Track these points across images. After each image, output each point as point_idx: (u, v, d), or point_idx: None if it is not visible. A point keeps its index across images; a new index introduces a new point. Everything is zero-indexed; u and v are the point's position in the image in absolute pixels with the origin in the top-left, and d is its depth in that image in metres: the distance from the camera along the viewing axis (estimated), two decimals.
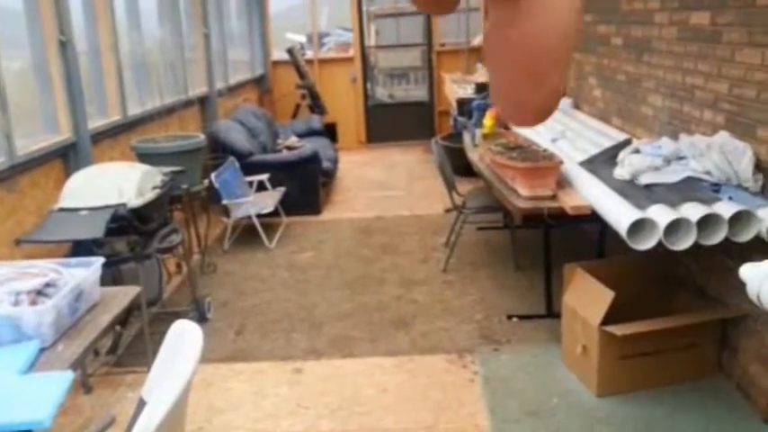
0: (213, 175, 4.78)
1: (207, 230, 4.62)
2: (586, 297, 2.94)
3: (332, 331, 3.63)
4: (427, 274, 4.36)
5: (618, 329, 2.72)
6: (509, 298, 3.90)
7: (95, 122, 4.11)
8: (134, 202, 3.21)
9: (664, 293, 3.16)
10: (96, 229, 2.99)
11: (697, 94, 3.24)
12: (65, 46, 3.67)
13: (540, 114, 0.21)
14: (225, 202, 4.91)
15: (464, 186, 4.82)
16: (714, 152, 2.84)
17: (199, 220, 4.51)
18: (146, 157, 4.32)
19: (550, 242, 3.62)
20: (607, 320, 2.76)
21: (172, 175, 3.70)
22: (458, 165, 5.21)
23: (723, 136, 2.88)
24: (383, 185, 6.77)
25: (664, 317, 2.88)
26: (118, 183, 3.25)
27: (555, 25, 0.19)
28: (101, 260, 2.32)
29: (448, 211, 5.19)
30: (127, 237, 3.24)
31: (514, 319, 3.62)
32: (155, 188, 3.43)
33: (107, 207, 3.13)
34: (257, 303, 4.05)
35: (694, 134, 3.16)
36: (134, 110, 4.72)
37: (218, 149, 5.56)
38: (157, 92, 5.30)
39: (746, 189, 2.71)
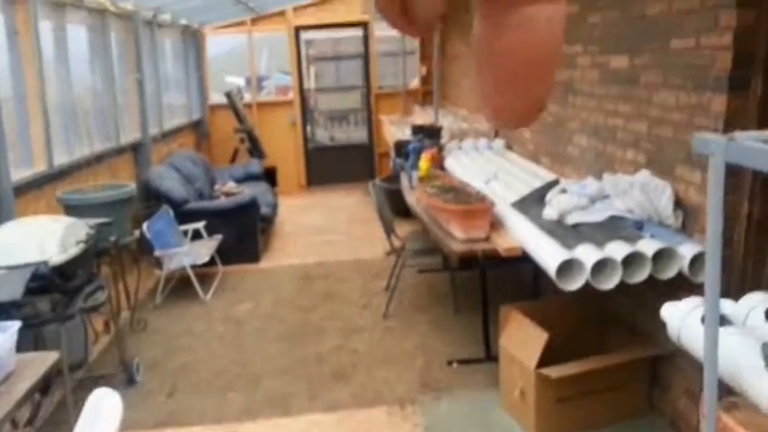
0: (145, 225, 4.63)
1: (137, 284, 4.43)
2: (522, 339, 2.93)
3: (269, 387, 3.50)
4: (368, 321, 4.29)
5: (553, 371, 2.72)
6: (449, 342, 3.87)
7: (19, 174, 3.93)
8: (56, 258, 3.06)
9: (598, 331, 3.19)
10: (14, 290, 2.83)
11: (619, 135, 3.34)
12: None
13: (522, 120, 0.20)
14: (157, 253, 4.74)
15: (405, 228, 4.82)
16: (636, 190, 2.92)
17: (129, 273, 4.33)
18: (72, 208, 4.15)
19: (487, 283, 3.63)
20: (544, 361, 2.76)
21: (98, 228, 3.56)
22: (398, 206, 5.22)
23: (644, 175, 2.97)
24: (324, 230, 6.70)
25: (598, 355, 2.90)
26: (39, 238, 3.10)
27: (537, 39, 0.20)
28: (16, 325, 2.20)
29: (388, 253, 5.17)
30: (49, 295, 3.07)
31: (454, 365, 3.58)
32: (79, 242, 3.28)
33: (27, 265, 2.97)
34: (190, 362, 3.87)
35: (618, 173, 3.25)
36: (61, 159, 4.54)
37: (152, 197, 5.41)
38: (87, 139, 5.14)
39: (668, 226, 2.79)
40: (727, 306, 1.76)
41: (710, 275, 1.49)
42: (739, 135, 1.19)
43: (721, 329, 1.43)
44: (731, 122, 2.45)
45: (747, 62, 2.38)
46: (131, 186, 4.60)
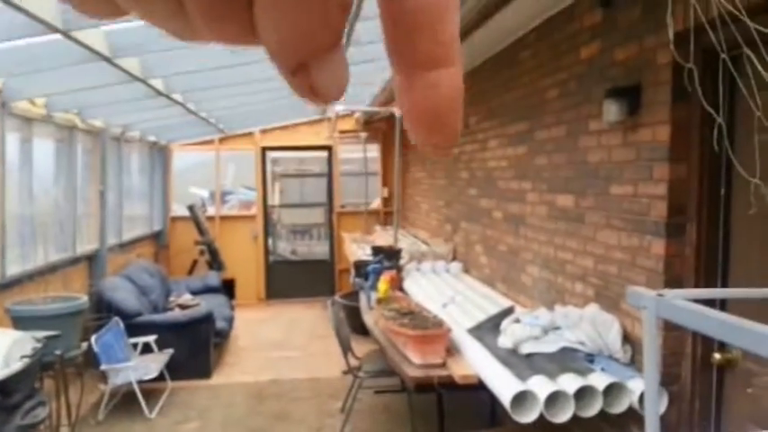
0: (93, 338, 4.51)
1: (80, 399, 4.23)
2: None
3: None
4: None
5: None
6: None
7: None
8: None
9: None
10: None
11: (568, 268, 3.51)
12: None
13: (440, 149, 0.26)
14: (103, 367, 4.57)
15: (363, 346, 4.79)
16: (586, 324, 3.03)
17: (72, 387, 4.15)
18: (21, 320, 4.05)
19: (445, 407, 3.60)
20: None
21: (45, 342, 3.46)
22: (357, 323, 5.21)
23: (593, 308, 3.09)
24: (280, 345, 6.59)
25: None
26: None
27: (439, 99, 0.22)
28: None
29: (345, 372, 5.09)
30: None
31: None
32: (24, 357, 3.18)
33: None
34: None
35: (569, 305, 3.38)
36: (14, 268, 4.46)
37: (103, 309, 5.29)
38: (42, 249, 5.08)
39: (617, 360, 2.88)
40: None
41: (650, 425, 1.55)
42: (668, 293, 1.31)
43: None
44: (671, 265, 2.62)
45: (681, 211, 2.59)
46: (83, 299, 4.53)
